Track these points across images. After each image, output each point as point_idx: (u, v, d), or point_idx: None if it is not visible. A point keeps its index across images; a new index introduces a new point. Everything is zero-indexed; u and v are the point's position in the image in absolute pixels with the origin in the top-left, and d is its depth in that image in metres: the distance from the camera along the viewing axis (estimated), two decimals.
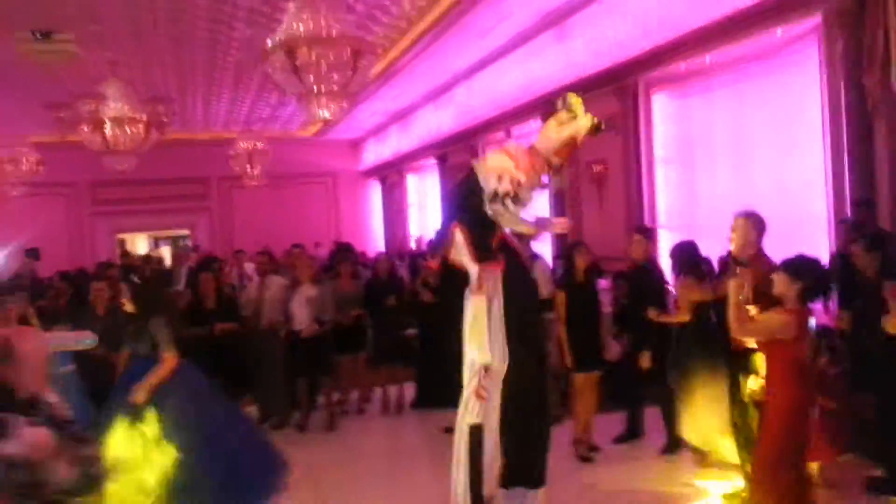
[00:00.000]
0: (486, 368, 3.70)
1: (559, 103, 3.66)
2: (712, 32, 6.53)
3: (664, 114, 8.46)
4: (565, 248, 6.70)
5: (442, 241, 4.01)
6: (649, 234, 6.41)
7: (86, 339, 4.65)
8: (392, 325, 6.70)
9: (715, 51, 6.95)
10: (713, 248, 5.44)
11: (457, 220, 3.78)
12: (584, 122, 3.66)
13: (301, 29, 6.80)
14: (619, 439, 5.78)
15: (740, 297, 3.31)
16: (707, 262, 5.32)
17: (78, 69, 9.71)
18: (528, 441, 3.82)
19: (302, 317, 6.23)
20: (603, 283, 6.61)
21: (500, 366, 3.74)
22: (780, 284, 3.25)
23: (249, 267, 8.88)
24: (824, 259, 5.35)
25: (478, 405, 3.69)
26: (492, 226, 3.71)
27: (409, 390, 7.24)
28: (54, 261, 11.79)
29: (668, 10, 7.07)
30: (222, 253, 13.24)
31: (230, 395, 6.13)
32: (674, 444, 5.25)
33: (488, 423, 3.75)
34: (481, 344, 3.70)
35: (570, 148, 3.77)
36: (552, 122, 3.69)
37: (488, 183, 3.62)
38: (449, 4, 8.12)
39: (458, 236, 3.76)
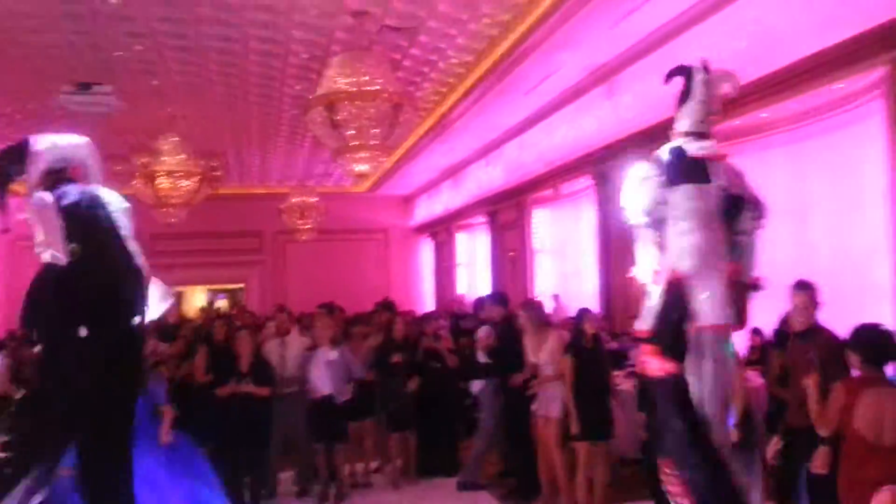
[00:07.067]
0: None
1: None
2: (770, 85, 6.20)
3: None
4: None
5: None
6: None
7: None
8: (399, 387, 6.21)
9: (772, 105, 6.60)
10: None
11: None
12: None
13: (340, 83, 6.86)
14: None
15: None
16: None
17: (138, 123, 10.04)
18: None
19: (323, 381, 5.94)
20: None
21: None
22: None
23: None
24: None
25: None
26: None
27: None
28: None
29: (724, 64, 6.77)
30: (270, 309, 13.17)
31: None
32: None
33: None
34: None
35: None
36: None
37: None
38: (495, 60, 8.05)
39: None
